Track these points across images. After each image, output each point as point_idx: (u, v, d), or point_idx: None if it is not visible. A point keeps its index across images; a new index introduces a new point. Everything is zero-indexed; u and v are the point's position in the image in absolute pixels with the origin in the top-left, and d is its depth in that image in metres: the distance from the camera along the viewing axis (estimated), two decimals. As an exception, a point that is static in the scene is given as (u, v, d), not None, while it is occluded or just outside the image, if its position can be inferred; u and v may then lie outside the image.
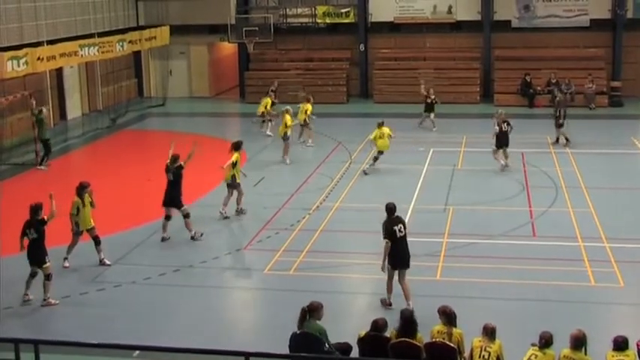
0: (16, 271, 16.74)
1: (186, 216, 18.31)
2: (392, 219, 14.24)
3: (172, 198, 18.24)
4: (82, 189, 17.00)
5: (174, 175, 18.20)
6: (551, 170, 23.63)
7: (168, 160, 18.39)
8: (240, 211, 20.14)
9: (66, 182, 24.12)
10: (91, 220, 16.95)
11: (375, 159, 23.75)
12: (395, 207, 14.45)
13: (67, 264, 16.81)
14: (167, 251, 17.77)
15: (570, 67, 35.02)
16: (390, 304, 14.24)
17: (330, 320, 11.27)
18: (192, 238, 18.28)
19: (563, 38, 35.96)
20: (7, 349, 9.60)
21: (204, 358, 11.22)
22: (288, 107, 25.69)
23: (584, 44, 36.02)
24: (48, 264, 15.12)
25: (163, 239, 18.31)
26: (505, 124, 23.74)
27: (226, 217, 19.84)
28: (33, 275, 15.23)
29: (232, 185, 19.89)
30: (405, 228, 14.21)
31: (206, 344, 11.31)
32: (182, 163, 18.27)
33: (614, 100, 34.41)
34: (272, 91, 30.80)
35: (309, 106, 27.26)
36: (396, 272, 14.23)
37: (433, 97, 29.95)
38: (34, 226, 15.30)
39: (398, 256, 14.00)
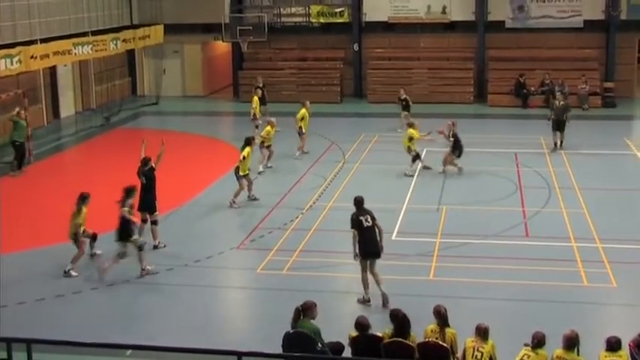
0: (9, 270, 16.75)
1: (154, 222, 17.91)
2: (360, 210, 14.71)
3: (147, 202, 17.77)
4: (83, 200, 16.79)
5: (147, 178, 17.79)
6: (544, 171, 23.67)
7: (140, 164, 17.96)
8: (252, 198, 20.99)
9: (59, 180, 24.17)
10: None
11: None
12: (363, 200, 15.00)
13: (74, 273, 16.40)
14: (161, 250, 17.72)
15: (564, 68, 35.07)
16: (369, 300, 14.50)
17: (323, 320, 11.27)
18: (155, 247, 17.69)
19: (557, 39, 36.02)
20: (0, 348, 9.57)
21: (197, 357, 11.19)
22: (272, 119, 24.29)
23: (577, 45, 36.07)
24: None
25: (155, 247, 17.75)
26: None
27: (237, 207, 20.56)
28: (140, 248, 16.22)
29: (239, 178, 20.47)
30: (372, 219, 14.59)
31: (199, 343, 11.32)
32: (153, 164, 17.95)
33: (608, 101, 34.48)
34: (258, 87, 29.92)
35: (303, 112, 25.99)
36: (369, 264, 14.53)
37: (404, 96, 29.61)
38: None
39: (366, 245, 14.44)
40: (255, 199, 21.02)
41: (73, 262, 16.39)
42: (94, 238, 17.22)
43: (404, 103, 29.44)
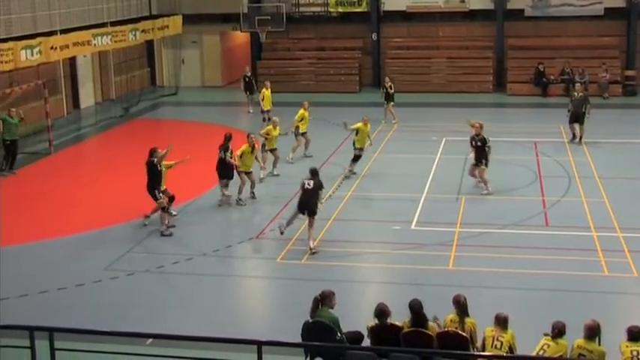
0: (24, 260, 16.90)
1: (161, 208, 18.23)
2: (311, 177, 17.09)
3: (149, 190, 18.14)
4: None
5: (148, 169, 18.10)
6: (564, 160, 23.55)
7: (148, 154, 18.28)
8: (252, 196, 20.61)
9: (79, 171, 24.30)
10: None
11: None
12: (317, 170, 17.31)
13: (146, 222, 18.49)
14: (180, 240, 17.82)
15: (584, 57, 34.87)
16: (282, 233, 17.03)
17: (342, 309, 11.27)
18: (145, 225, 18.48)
19: (577, 27, 35.76)
20: (23, 336, 9.66)
21: (217, 346, 11.25)
22: (275, 119, 23.27)
23: (598, 33, 35.80)
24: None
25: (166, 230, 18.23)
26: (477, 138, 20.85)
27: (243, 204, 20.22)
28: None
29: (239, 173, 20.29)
30: (313, 184, 16.88)
31: (218, 333, 11.37)
32: (154, 160, 18.05)
33: (628, 90, 34.24)
34: (245, 76, 31.81)
35: (302, 112, 24.63)
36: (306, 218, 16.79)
37: (389, 84, 29.30)
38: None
39: (301, 202, 16.99)
40: (253, 197, 20.52)
41: (152, 213, 18.43)
42: (172, 199, 18.52)
43: (387, 91, 29.15)
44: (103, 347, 10.57)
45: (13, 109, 24.27)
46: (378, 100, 34.00)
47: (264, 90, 28.50)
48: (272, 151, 22.75)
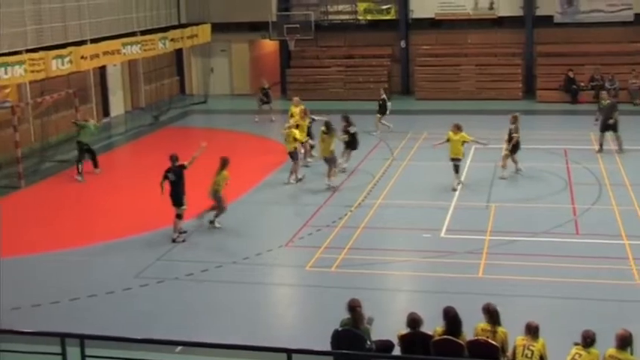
0: (55, 267, 17.05)
1: (178, 216, 18.30)
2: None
3: (175, 197, 18.26)
4: (224, 164, 18.72)
5: (176, 174, 18.22)
6: (594, 167, 23.36)
7: (170, 161, 18.45)
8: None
9: (109, 178, 24.48)
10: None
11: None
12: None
13: (218, 225, 18.97)
14: (210, 248, 17.90)
15: (614, 63, 34.62)
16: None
17: (374, 319, 11.23)
18: (174, 240, 18.24)
19: (606, 33, 35.49)
20: (54, 343, 9.75)
21: (247, 354, 11.31)
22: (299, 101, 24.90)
23: (628, 39, 35.48)
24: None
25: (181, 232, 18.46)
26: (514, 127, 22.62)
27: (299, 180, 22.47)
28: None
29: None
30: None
31: (248, 341, 11.39)
32: (185, 163, 18.26)
33: (659, 96, 33.92)
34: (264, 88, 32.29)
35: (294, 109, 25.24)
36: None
37: (383, 96, 28.77)
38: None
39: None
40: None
41: (216, 216, 18.88)
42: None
43: (381, 103, 28.73)
44: (133, 354, 10.60)
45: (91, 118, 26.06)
46: (409, 108, 34.05)
47: (292, 107, 26.76)
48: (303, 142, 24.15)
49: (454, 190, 21.51)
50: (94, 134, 25.14)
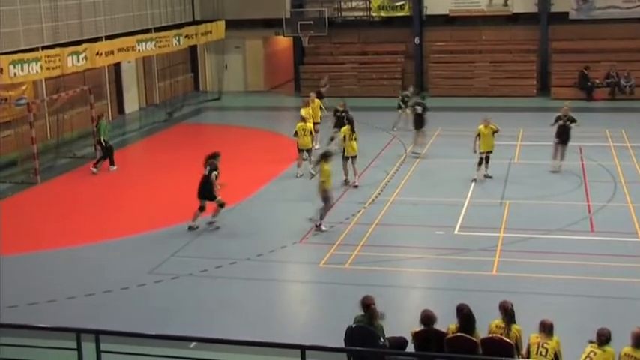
0: (70, 263, 17.15)
1: (221, 205, 18.76)
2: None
3: (205, 191, 18.51)
4: (326, 159, 18.68)
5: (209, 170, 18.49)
6: (609, 164, 23.28)
7: (210, 155, 18.75)
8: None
9: (123, 175, 24.57)
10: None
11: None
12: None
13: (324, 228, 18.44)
14: (224, 244, 17.95)
15: (630, 60, 34.42)
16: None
17: (385, 314, 11.24)
18: (209, 223, 18.79)
19: (622, 30, 35.28)
20: (70, 338, 9.81)
21: (261, 350, 11.33)
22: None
23: (644, 36, 35.34)
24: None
25: (190, 228, 18.63)
26: (565, 118, 22.92)
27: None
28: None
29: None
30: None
31: (261, 337, 11.41)
32: (216, 168, 18.47)
33: (675, 93, 33.75)
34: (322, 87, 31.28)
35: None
36: None
37: (342, 109, 25.57)
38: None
39: None
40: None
41: (321, 218, 18.39)
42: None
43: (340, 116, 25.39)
44: (147, 350, 10.66)
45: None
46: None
47: (311, 103, 26.42)
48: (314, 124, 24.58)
49: (487, 177, 22.02)
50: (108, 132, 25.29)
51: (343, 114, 24.84)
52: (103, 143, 24.63)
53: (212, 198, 18.58)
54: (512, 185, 21.67)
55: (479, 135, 21.91)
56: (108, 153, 24.77)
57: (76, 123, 28.77)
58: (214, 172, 18.35)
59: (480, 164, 22.02)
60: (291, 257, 17.25)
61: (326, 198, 18.47)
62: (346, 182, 21.84)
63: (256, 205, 20.60)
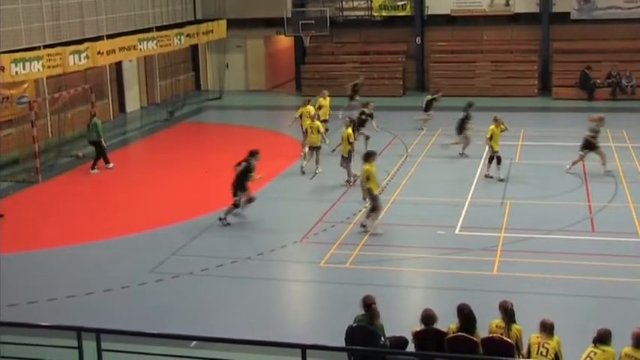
0: (71, 262, 17.15)
1: (236, 205, 19.01)
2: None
3: (234, 187, 18.96)
4: (369, 157, 18.57)
5: (243, 168, 18.88)
6: (610, 164, 23.22)
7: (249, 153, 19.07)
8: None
9: (124, 174, 24.58)
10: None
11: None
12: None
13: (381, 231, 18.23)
14: (224, 243, 17.95)
15: (631, 60, 34.41)
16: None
17: (385, 314, 11.25)
18: (220, 218, 18.99)
19: (624, 30, 35.27)
20: (71, 336, 9.82)
21: (261, 349, 11.32)
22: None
23: (645, 36, 35.33)
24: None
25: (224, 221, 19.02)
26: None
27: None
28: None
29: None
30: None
31: (262, 336, 11.41)
32: (252, 169, 18.91)
33: (676, 93, 33.74)
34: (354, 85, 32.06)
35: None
36: None
37: (368, 111, 25.66)
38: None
39: None
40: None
41: (372, 220, 18.21)
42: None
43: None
44: (148, 349, 10.67)
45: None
46: (422, 104, 33.94)
47: (321, 100, 27.14)
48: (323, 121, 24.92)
49: (501, 180, 21.87)
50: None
51: (368, 117, 25.04)
52: (104, 143, 24.57)
53: (238, 192, 18.85)
54: (513, 185, 21.66)
55: (492, 136, 21.89)
56: (102, 152, 24.68)
57: (77, 122, 28.75)
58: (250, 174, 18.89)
59: (490, 162, 22.02)
60: (291, 256, 17.24)
61: (372, 198, 18.30)
62: (347, 182, 21.83)
63: (257, 204, 20.55)
